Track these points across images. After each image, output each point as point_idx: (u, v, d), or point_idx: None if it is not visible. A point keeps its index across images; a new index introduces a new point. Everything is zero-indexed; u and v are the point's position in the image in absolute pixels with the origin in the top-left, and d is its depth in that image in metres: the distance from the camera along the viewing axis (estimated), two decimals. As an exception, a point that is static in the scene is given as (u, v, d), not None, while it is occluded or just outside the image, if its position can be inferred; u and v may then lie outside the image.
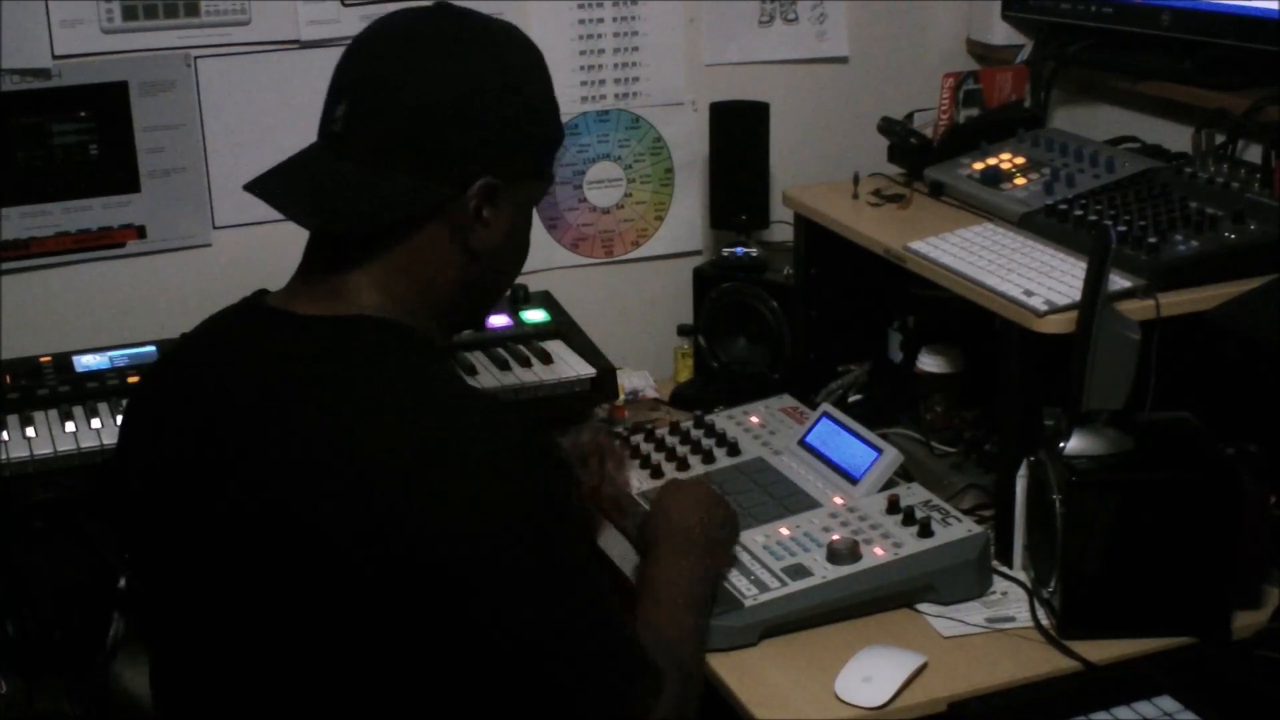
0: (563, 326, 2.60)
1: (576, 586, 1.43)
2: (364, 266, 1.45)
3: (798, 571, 1.92)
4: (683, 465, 2.23)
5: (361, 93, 1.45)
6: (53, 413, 2.28)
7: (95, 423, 2.24)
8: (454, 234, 1.46)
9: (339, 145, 1.46)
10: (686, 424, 2.36)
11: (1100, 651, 1.85)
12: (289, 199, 1.47)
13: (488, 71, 1.44)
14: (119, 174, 2.48)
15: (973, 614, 1.94)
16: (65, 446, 2.19)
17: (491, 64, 1.45)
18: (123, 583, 2.05)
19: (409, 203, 1.43)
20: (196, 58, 2.48)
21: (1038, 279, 2.03)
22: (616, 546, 2.05)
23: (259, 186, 1.49)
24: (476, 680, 1.38)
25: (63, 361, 2.39)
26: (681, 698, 1.53)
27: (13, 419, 2.24)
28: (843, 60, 2.89)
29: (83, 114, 2.43)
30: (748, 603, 1.88)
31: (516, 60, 1.49)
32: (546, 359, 2.49)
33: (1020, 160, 2.43)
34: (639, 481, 2.20)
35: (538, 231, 2.76)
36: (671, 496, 1.91)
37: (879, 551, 1.95)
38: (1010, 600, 1.97)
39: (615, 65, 2.76)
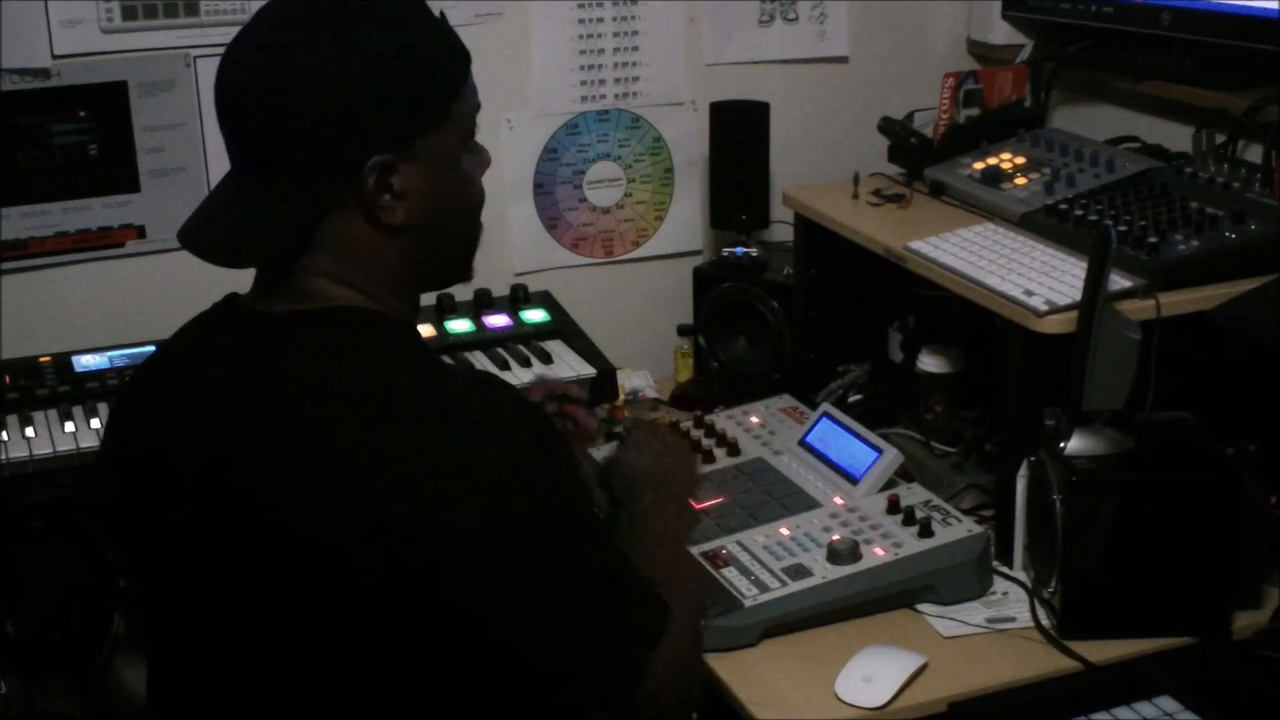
0: (563, 326, 2.60)
1: (594, 552, 1.45)
2: (311, 266, 1.43)
3: (798, 571, 1.92)
4: (683, 465, 2.23)
5: (232, 114, 1.43)
6: (52, 413, 2.28)
7: (95, 423, 2.24)
8: (368, 216, 1.42)
9: (235, 170, 1.46)
10: (686, 424, 2.36)
11: (1100, 651, 1.85)
12: (202, 244, 1.45)
13: (337, 50, 1.38)
14: (119, 174, 2.48)
15: (973, 614, 1.94)
16: (65, 446, 2.19)
17: (337, 41, 1.38)
18: (123, 583, 2.05)
19: (296, 217, 1.41)
20: (196, 58, 2.48)
21: (1038, 279, 2.03)
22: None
23: (184, 234, 1.47)
24: (490, 667, 1.38)
25: (63, 361, 2.39)
26: (692, 625, 1.58)
27: (13, 419, 2.25)
28: (843, 60, 2.89)
29: (82, 114, 2.44)
30: (748, 603, 1.88)
31: (367, 26, 1.40)
32: (546, 359, 2.48)
33: (1020, 160, 2.43)
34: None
35: (538, 232, 2.77)
36: (641, 446, 1.87)
37: (879, 551, 1.95)
38: (1010, 600, 1.97)
39: (615, 65, 2.76)
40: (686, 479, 1.88)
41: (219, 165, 2.50)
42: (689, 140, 2.83)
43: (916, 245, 2.21)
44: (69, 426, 2.24)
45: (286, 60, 1.38)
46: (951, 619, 1.93)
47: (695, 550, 1.99)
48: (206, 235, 1.45)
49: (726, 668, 1.83)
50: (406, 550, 1.32)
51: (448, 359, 2.45)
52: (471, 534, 1.33)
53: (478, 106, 1.50)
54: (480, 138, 1.51)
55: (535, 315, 2.62)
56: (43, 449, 2.18)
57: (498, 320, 2.59)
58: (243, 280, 1.56)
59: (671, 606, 1.52)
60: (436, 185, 1.45)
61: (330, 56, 1.38)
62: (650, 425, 2.08)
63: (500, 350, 2.51)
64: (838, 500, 2.09)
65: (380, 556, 1.32)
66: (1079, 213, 2.19)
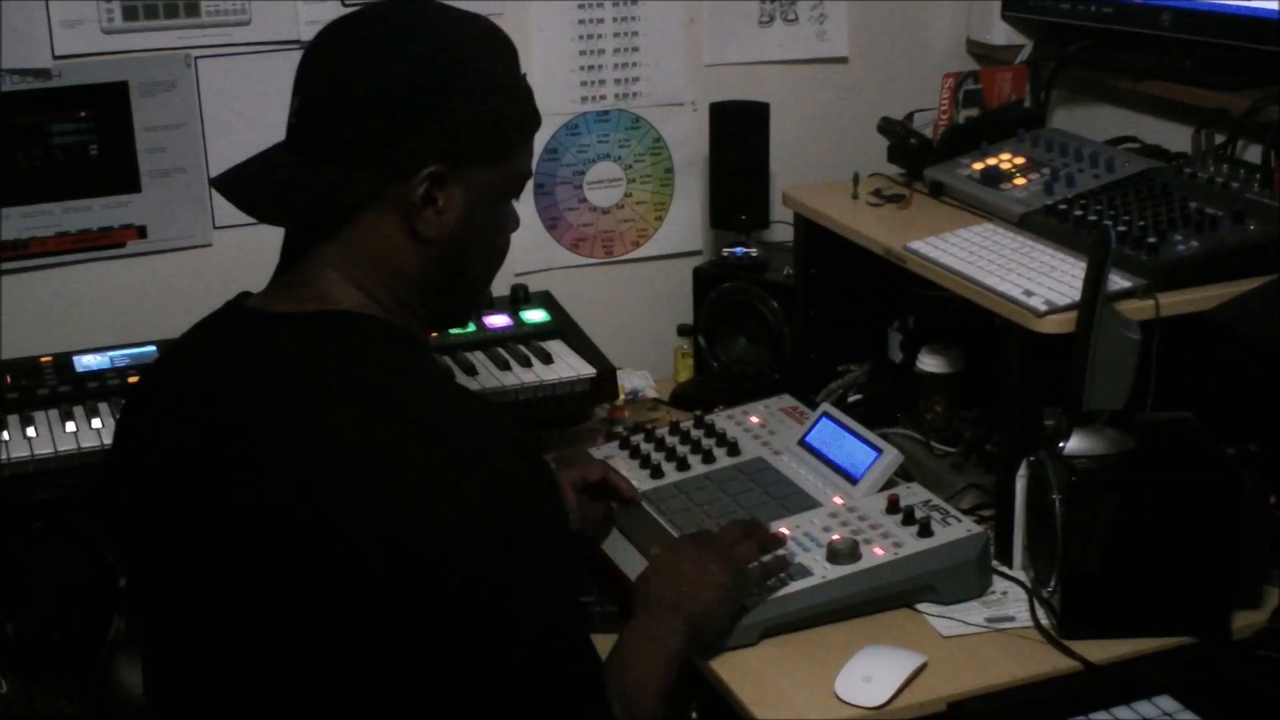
0: (563, 326, 2.60)
1: (564, 597, 1.44)
2: (327, 261, 1.46)
3: (798, 571, 1.92)
4: (683, 465, 2.23)
5: (311, 86, 1.47)
6: (53, 413, 2.28)
7: (95, 423, 2.24)
8: (404, 222, 1.46)
9: (293, 139, 1.49)
10: (686, 424, 2.36)
11: (1100, 651, 1.85)
12: (239, 193, 1.49)
13: (432, 60, 1.44)
14: (119, 174, 2.48)
15: (973, 614, 1.94)
16: (65, 446, 2.19)
17: (437, 53, 1.44)
18: (123, 583, 2.05)
19: (341, 193, 1.44)
20: (196, 58, 2.48)
21: (1038, 279, 2.03)
22: (620, 549, 2.06)
23: (221, 180, 1.52)
24: (463, 680, 1.38)
25: (63, 361, 2.39)
26: None
27: (13, 419, 2.24)
28: (843, 60, 2.89)
29: (83, 114, 2.44)
30: (748, 603, 1.88)
31: (466, 48, 1.47)
32: (546, 359, 2.49)
33: (1020, 160, 2.43)
34: (639, 481, 2.19)
35: (538, 232, 2.77)
36: (665, 562, 1.82)
37: (879, 551, 1.95)
38: (1010, 600, 1.97)
39: (615, 65, 2.76)
40: (700, 611, 1.77)
41: (219, 165, 2.49)
42: (689, 140, 2.83)
43: (916, 245, 2.21)
44: (70, 426, 2.24)
45: (384, 54, 1.43)
46: (951, 619, 1.93)
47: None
48: (244, 186, 1.50)
49: (726, 668, 1.83)
50: (406, 552, 1.32)
51: (447, 359, 2.45)
52: (472, 535, 1.33)
53: (530, 174, 1.57)
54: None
55: (535, 315, 2.62)
56: (43, 449, 2.18)
57: (498, 320, 2.59)
58: (243, 281, 1.56)
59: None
60: (474, 215, 1.49)
61: (426, 62, 1.43)
62: (686, 547, 1.86)
63: (500, 350, 2.51)
64: (838, 500, 2.09)
65: (380, 558, 1.32)
66: (1079, 213, 2.19)
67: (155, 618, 1.55)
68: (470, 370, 2.43)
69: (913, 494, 2.07)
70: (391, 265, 1.47)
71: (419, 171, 1.44)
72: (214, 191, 2.46)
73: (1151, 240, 2.04)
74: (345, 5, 2.50)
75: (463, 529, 1.33)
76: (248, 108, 2.50)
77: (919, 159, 2.54)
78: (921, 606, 1.95)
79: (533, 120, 1.56)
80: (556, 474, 1.97)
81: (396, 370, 1.42)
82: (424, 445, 1.35)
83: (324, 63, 1.47)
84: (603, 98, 2.77)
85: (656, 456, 2.26)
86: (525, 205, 2.75)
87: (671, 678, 1.67)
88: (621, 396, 2.59)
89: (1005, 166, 2.42)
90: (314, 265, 1.47)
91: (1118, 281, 1.97)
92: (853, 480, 2.11)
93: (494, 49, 1.51)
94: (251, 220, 1.50)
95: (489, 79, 1.48)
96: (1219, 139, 2.38)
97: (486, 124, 1.48)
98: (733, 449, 2.26)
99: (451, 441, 1.36)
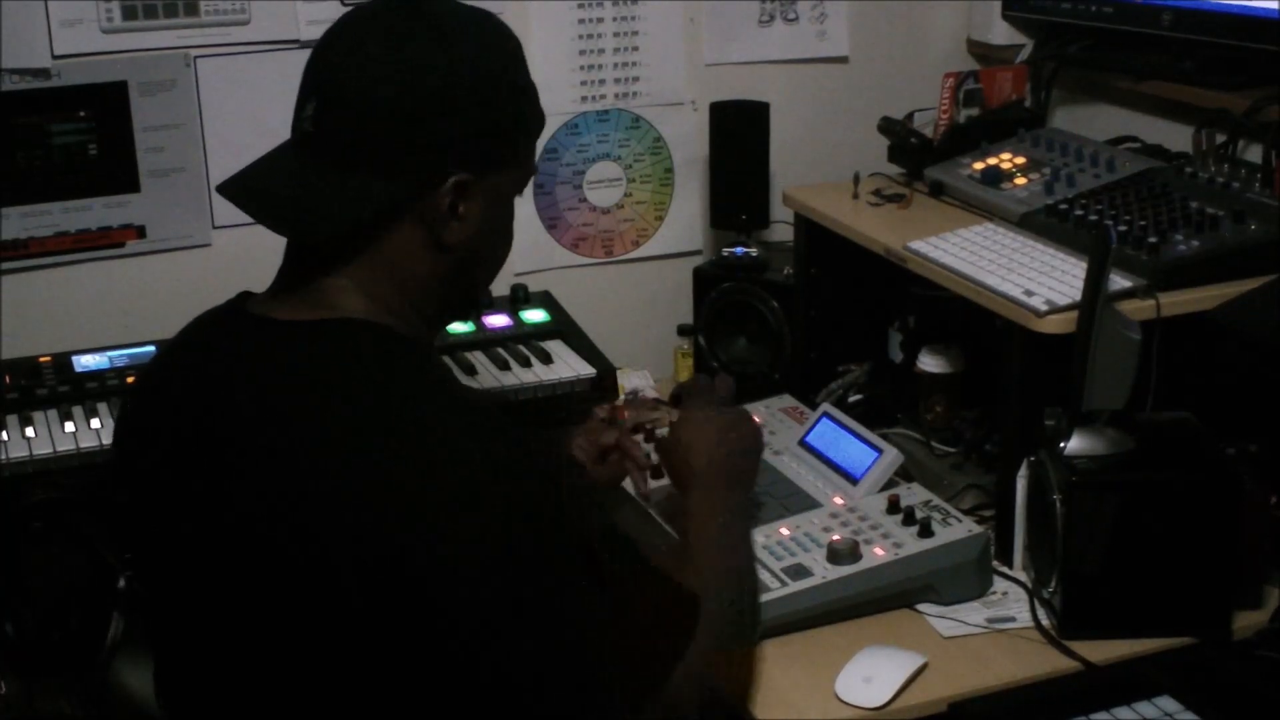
0: (563, 326, 2.60)
1: (562, 609, 1.40)
2: (343, 269, 1.44)
3: (798, 571, 1.92)
4: (683, 465, 2.22)
5: (327, 92, 1.43)
6: (52, 413, 2.28)
7: (95, 423, 2.24)
8: (427, 231, 1.44)
9: (308, 146, 1.45)
10: (686, 424, 2.36)
11: (1100, 651, 1.85)
12: (260, 205, 1.45)
13: (452, 64, 1.42)
14: (119, 174, 2.48)
15: (973, 614, 1.94)
16: (65, 446, 2.19)
17: (455, 56, 1.42)
18: (123, 583, 2.05)
19: (374, 205, 1.42)
20: (196, 57, 2.48)
21: (1038, 279, 2.03)
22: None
23: (231, 189, 1.48)
24: (452, 693, 1.37)
25: (62, 361, 2.38)
26: (706, 640, 1.56)
27: (12, 419, 2.24)
28: (843, 60, 2.89)
29: (82, 114, 2.43)
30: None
31: (483, 50, 1.46)
32: (546, 359, 2.48)
33: (1020, 160, 2.43)
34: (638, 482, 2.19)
35: (538, 232, 2.77)
36: (688, 436, 1.83)
37: (879, 551, 1.95)
38: (1010, 600, 1.97)
39: (615, 65, 2.76)
40: (740, 467, 1.80)
41: (219, 165, 2.51)
42: (689, 140, 2.83)
43: (916, 245, 2.21)
44: (69, 427, 2.23)
45: (405, 60, 1.41)
46: (951, 619, 1.93)
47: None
48: (263, 199, 1.45)
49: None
50: (394, 566, 1.30)
51: (447, 359, 2.45)
52: (461, 552, 1.31)
53: (536, 170, 1.58)
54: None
55: (535, 315, 2.62)
56: (43, 449, 2.18)
57: (498, 320, 2.59)
58: (243, 281, 1.56)
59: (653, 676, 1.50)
60: (490, 219, 1.49)
61: (447, 67, 1.41)
62: (700, 416, 1.86)
63: (500, 350, 2.51)
64: (838, 500, 2.09)
65: (370, 568, 1.31)
66: (1079, 213, 2.19)
67: (158, 617, 1.55)
68: (470, 370, 2.43)
69: (913, 494, 2.07)
70: (409, 273, 1.45)
71: (445, 181, 1.43)
72: (213, 191, 2.48)
73: (1152, 240, 2.04)
74: (345, 4, 2.50)
75: (459, 541, 1.31)
76: (247, 108, 2.50)
77: (919, 159, 2.54)
78: (922, 607, 1.95)
79: (541, 119, 1.56)
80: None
81: (395, 379, 1.40)
82: (418, 457, 1.33)
83: (344, 66, 1.43)
84: (603, 97, 2.77)
85: (657, 456, 2.26)
86: (525, 205, 2.75)
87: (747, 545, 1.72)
88: (621, 396, 2.58)
89: (1005, 166, 2.42)
90: (326, 273, 1.44)
91: (1118, 281, 1.97)
92: (853, 480, 2.11)
93: (510, 50, 1.51)
94: (251, 220, 1.48)
95: (508, 82, 1.48)
96: (1219, 139, 2.38)
97: (506, 128, 1.48)
98: (733, 449, 2.26)
99: (448, 454, 1.34)
